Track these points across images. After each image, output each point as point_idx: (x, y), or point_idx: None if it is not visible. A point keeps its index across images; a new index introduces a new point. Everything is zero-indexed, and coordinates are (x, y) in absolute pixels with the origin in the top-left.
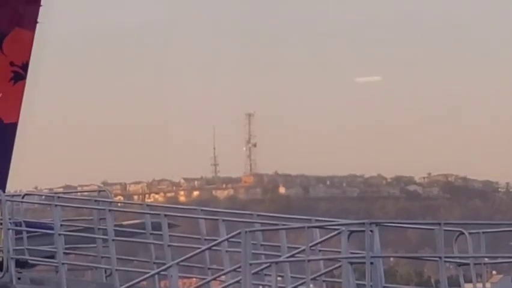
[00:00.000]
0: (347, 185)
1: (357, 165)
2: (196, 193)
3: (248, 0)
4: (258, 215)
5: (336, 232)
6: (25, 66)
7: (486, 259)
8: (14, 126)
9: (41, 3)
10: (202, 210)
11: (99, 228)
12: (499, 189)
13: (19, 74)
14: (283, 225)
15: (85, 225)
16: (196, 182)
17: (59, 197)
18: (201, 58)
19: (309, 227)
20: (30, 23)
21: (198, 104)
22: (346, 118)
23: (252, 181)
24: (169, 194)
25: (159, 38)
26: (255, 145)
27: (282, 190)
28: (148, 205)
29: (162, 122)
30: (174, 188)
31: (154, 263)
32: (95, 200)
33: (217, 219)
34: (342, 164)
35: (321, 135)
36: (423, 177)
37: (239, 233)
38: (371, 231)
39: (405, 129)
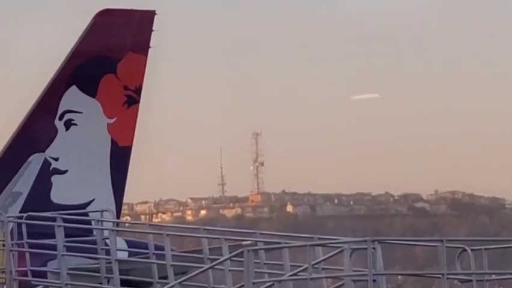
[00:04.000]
0: (354, 203)
1: (364, 183)
2: (203, 212)
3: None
4: (261, 234)
5: (338, 250)
6: (138, 90)
7: (492, 275)
8: (128, 149)
9: (153, 29)
10: (204, 229)
11: (102, 249)
12: (506, 206)
13: (133, 98)
14: (286, 243)
15: (88, 246)
16: (203, 202)
17: (62, 218)
18: (207, 76)
19: (311, 245)
20: (143, 47)
21: (205, 123)
22: (352, 136)
23: (259, 200)
24: (176, 214)
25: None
26: (262, 164)
27: (289, 209)
28: (150, 225)
29: (169, 141)
30: (181, 207)
31: (157, 282)
32: (99, 221)
33: (219, 238)
34: (349, 182)
35: (328, 153)
36: (431, 195)
37: (242, 251)
38: (373, 248)
39: (412, 146)
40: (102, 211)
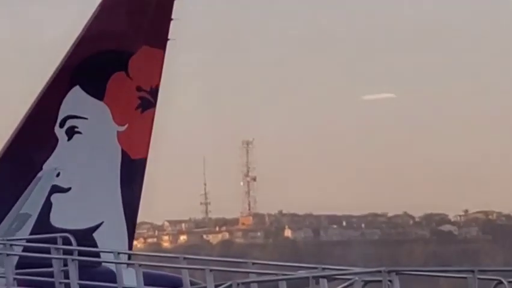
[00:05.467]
0: (366, 226)
1: (378, 202)
2: (183, 238)
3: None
4: (253, 264)
5: (347, 283)
6: (154, 91)
7: None
8: (142, 162)
9: (173, 17)
10: (185, 258)
11: (61, 282)
12: None
13: (147, 101)
14: (284, 275)
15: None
16: (183, 225)
17: (12, 245)
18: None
19: (314, 277)
20: (160, 40)
21: (184, 129)
22: (362, 145)
23: (251, 222)
24: (150, 240)
25: None
26: (254, 179)
27: (287, 233)
28: (119, 253)
29: None
30: (156, 232)
31: None
32: (57, 248)
33: (203, 269)
34: (359, 200)
35: (334, 166)
36: (459, 215)
37: (230, 285)
38: (390, 281)
39: (436, 157)
40: (60, 235)
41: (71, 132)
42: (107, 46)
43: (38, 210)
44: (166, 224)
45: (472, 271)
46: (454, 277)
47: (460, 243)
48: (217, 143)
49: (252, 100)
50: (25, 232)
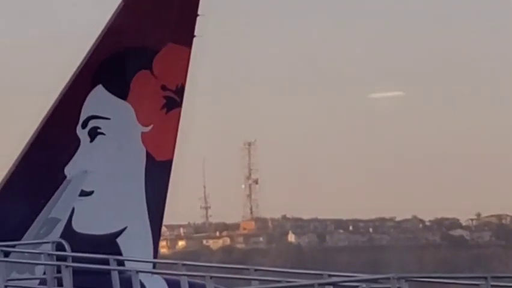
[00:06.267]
0: (373, 230)
1: (386, 206)
2: (181, 243)
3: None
4: (256, 270)
5: None
6: (180, 91)
7: None
8: (168, 164)
9: (199, 13)
10: (184, 265)
11: None
12: None
13: (173, 100)
14: (288, 282)
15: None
16: (181, 230)
17: (2, 251)
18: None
19: (320, 284)
20: (186, 37)
21: (183, 129)
22: (369, 145)
23: (253, 227)
24: None
25: None
26: (256, 182)
27: (291, 238)
28: (115, 259)
29: None
30: None
31: None
32: (49, 254)
33: (203, 276)
34: (367, 204)
35: (341, 168)
36: (471, 219)
37: None
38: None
39: (447, 158)
40: (53, 242)
41: (93, 133)
42: (131, 43)
43: (68, 214)
44: (164, 228)
45: (485, 277)
46: (466, 284)
47: (472, 249)
48: (217, 144)
49: (254, 98)
50: (54, 237)
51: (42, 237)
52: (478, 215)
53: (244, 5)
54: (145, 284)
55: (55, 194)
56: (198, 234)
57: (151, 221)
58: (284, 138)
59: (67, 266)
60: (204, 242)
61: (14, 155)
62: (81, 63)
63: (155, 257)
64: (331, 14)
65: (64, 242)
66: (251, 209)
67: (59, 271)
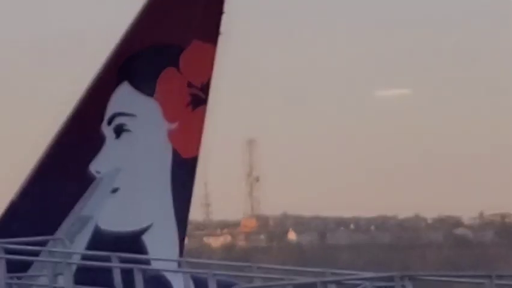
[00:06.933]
0: (375, 229)
1: (388, 204)
2: None
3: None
4: (258, 268)
5: None
6: (205, 88)
7: None
8: (193, 161)
9: (224, 10)
10: (186, 262)
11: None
12: None
13: (198, 98)
14: (291, 280)
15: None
16: None
17: (3, 248)
18: None
19: (323, 283)
20: (212, 34)
21: None
22: (372, 143)
23: (254, 225)
24: None
25: None
26: (257, 179)
27: (292, 236)
28: (117, 256)
29: None
30: None
31: None
32: (50, 251)
33: (205, 273)
34: (369, 202)
35: (342, 165)
36: (474, 218)
37: None
38: (403, 286)
39: (450, 156)
40: (54, 238)
41: (119, 130)
42: (158, 40)
43: (99, 212)
44: None
45: (490, 276)
46: (470, 282)
47: (475, 248)
48: (218, 141)
49: (255, 96)
50: (86, 235)
51: (74, 234)
52: (481, 213)
53: (242, 5)
54: (172, 282)
55: (87, 192)
56: (198, 232)
57: (176, 219)
58: (285, 136)
59: (68, 263)
60: (205, 239)
61: (39, 153)
62: (107, 60)
63: (181, 255)
64: (338, 11)
65: (64, 239)
66: (252, 207)
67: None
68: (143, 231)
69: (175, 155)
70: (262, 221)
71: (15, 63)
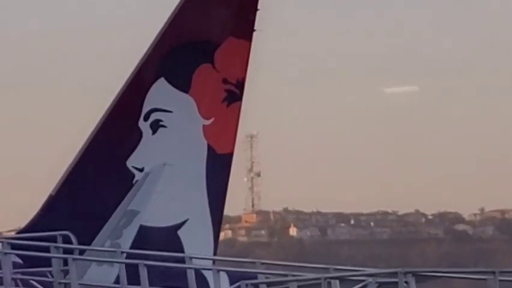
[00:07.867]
0: (375, 224)
1: (388, 199)
2: None
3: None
4: (262, 263)
5: (361, 284)
6: (240, 84)
7: None
8: (228, 157)
9: (259, 7)
10: (191, 258)
11: (60, 283)
12: None
13: (233, 94)
14: (294, 276)
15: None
16: None
17: (9, 243)
18: None
19: (326, 278)
20: (246, 31)
21: None
22: (372, 139)
23: (254, 220)
24: None
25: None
26: (258, 174)
27: (293, 231)
28: (123, 252)
29: None
30: None
31: None
32: (56, 247)
33: (210, 269)
34: (369, 198)
35: (343, 161)
36: (474, 214)
37: (239, 286)
38: (406, 282)
39: (450, 152)
40: (59, 233)
41: (155, 126)
42: (193, 37)
43: (146, 207)
44: None
45: (493, 272)
46: (473, 278)
47: (475, 243)
48: None
49: (256, 90)
50: (133, 229)
51: (121, 229)
52: (481, 209)
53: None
54: (207, 277)
55: (134, 187)
56: None
57: (211, 214)
58: (286, 131)
59: (74, 259)
60: None
61: (77, 148)
62: (143, 57)
63: (215, 250)
64: (346, 8)
65: (70, 234)
66: (253, 202)
67: (66, 264)
68: (179, 226)
69: (210, 150)
70: (263, 217)
71: (61, 53)
